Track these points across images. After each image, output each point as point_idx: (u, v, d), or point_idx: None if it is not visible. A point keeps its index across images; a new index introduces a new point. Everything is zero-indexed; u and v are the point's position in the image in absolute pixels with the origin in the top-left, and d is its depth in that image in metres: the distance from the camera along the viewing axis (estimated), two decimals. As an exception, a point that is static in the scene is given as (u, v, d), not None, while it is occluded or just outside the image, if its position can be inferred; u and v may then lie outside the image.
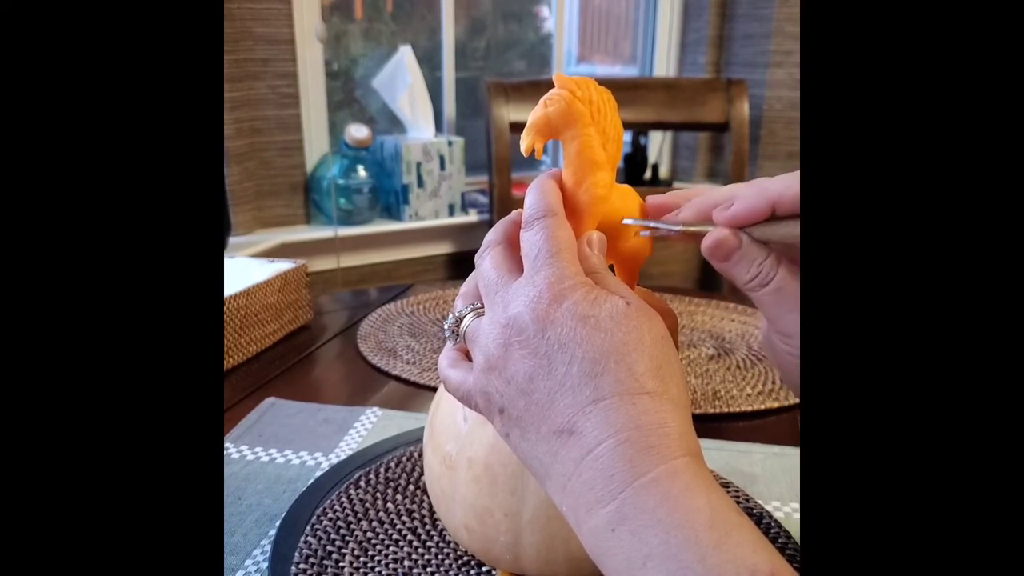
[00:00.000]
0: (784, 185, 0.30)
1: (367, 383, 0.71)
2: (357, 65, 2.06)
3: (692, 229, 0.33)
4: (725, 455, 0.57)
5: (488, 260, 0.31)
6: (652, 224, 0.34)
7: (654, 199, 0.35)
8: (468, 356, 0.32)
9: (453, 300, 0.48)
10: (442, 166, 1.95)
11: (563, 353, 0.27)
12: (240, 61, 1.67)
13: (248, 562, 0.44)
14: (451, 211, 2.02)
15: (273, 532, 0.46)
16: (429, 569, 0.42)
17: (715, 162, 2.38)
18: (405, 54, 1.88)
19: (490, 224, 1.18)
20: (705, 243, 0.32)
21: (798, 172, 0.30)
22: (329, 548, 0.43)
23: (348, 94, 2.07)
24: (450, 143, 1.95)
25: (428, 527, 0.46)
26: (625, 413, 0.25)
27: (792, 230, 0.30)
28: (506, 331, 0.28)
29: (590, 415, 0.26)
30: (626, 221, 0.34)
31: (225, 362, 0.72)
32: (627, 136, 2.15)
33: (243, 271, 0.81)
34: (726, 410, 0.65)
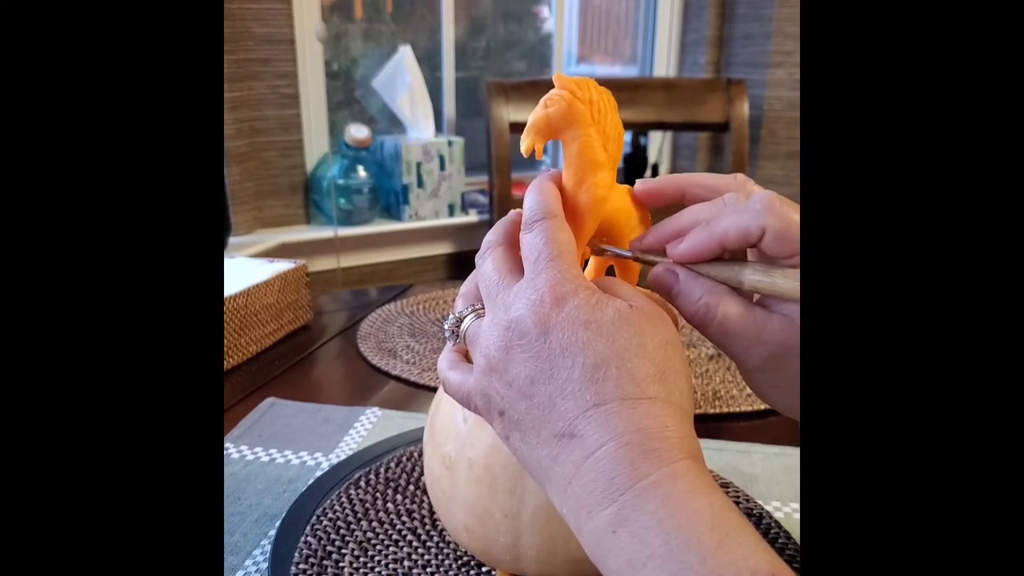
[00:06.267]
0: (730, 222, 0.30)
1: (367, 383, 0.71)
2: (357, 65, 2.06)
3: (643, 258, 0.34)
4: (725, 455, 0.57)
5: (489, 261, 0.31)
6: (606, 248, 0.35)
7: (643, 185, 0.35)
8: (468, 357, 0.32)
9: (453, 300, 0.48)
10: (442, 166, 1.96)
11: (565, 357, 0.27)
12: (240, 61, 1.67)
13: (248, 562, 0.44)
14: (451, 211, 2.02)
15: (273, 532, 0.46)
16: (429, 569, 0.42)
17: (715, 162, 2.38)
18: (405, 54, 1.88)
19: (490, 224, 1.18)
20: (648, 277, 0.33)
21: (748, 206, 0.30)
22: (329, 548, 0.43)
23: (348, 94, 2.07)
24: (450, 143, 1.95)
25: (428, 527, 0.46)
26: (626, 417, 0.25)
27: (733, 274, 0.31)
28: (508, 334, 0.28)
29: (591, 419, 0.26)
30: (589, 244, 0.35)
31: (225, 362, 0.72)
32: (627, 136, 2.15)
33: (243, 271, 0.81)
34: (726, 410, 0.65)
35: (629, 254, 0.34)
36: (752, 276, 0.30)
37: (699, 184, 0.34)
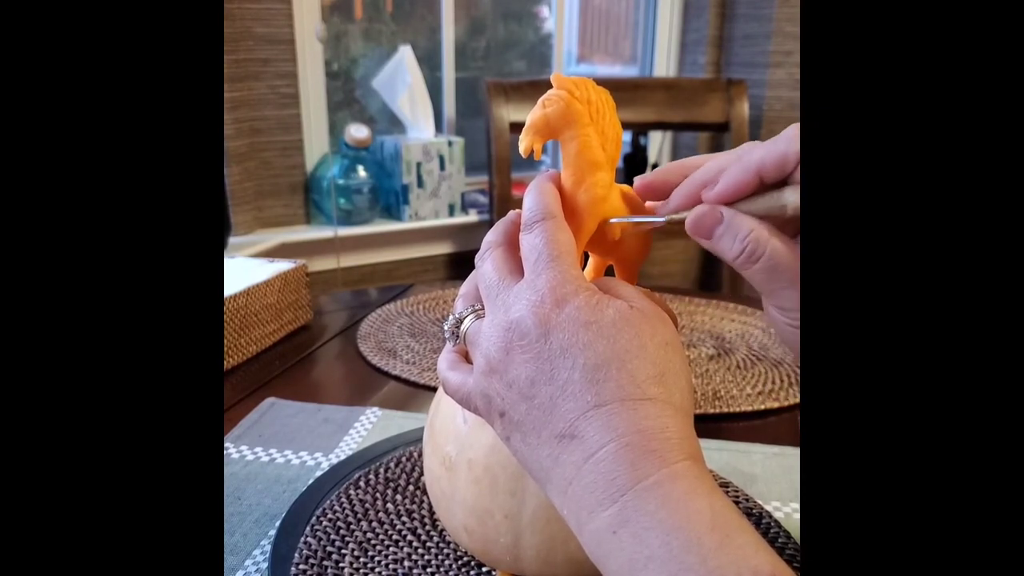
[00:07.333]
0: (765, 151, 0.29)
1: (367, 383, 0.71)
2: (357, 65, 2.06)
3: (677, 217, 0.32)
4: (725, 455, 0.57)
5: (489, 262, 0.31)
6: (639, 219, 0.34)
7: (642, 180, 0.34)
8: (468, 358, 0.32)
9: (453, 300, 0.48)
10: (442, 166, 1.95)
11: (565, 359, 0.27)
12: (240, 61, 1.67)
13: (248, 562, 0.44)
14: (451, 211, 2.02)
15: (273, 532, 0.46)
16: (429, 570, 0.42)
17: (715, 162, 2.38)
18: (405, 54, 1.87)
19: (490, 224, 1.18)
20: (687, 223, 0.31)
21: (781, 136, 0.29)
22: (329, 548, 0.43)
23: (348, 94, 2.07)
24: (450, 143, 1.95)
25: (428, 527, 0.46)
26: (627, 418, 0.25)
27: (775, 201, 0.29)
28: (508, 334, 0.28)
29: (592, 420, 0.26)
30: (612, 220, 0.34)
31: (225, 362, 0.72)
32: (627, 136, 2.15)
33: (243, 271, 0.81)
34: (726, 410, 0.65)
35: (663, 219, 0.33)
36: (794, 197, 0.29)
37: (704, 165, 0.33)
